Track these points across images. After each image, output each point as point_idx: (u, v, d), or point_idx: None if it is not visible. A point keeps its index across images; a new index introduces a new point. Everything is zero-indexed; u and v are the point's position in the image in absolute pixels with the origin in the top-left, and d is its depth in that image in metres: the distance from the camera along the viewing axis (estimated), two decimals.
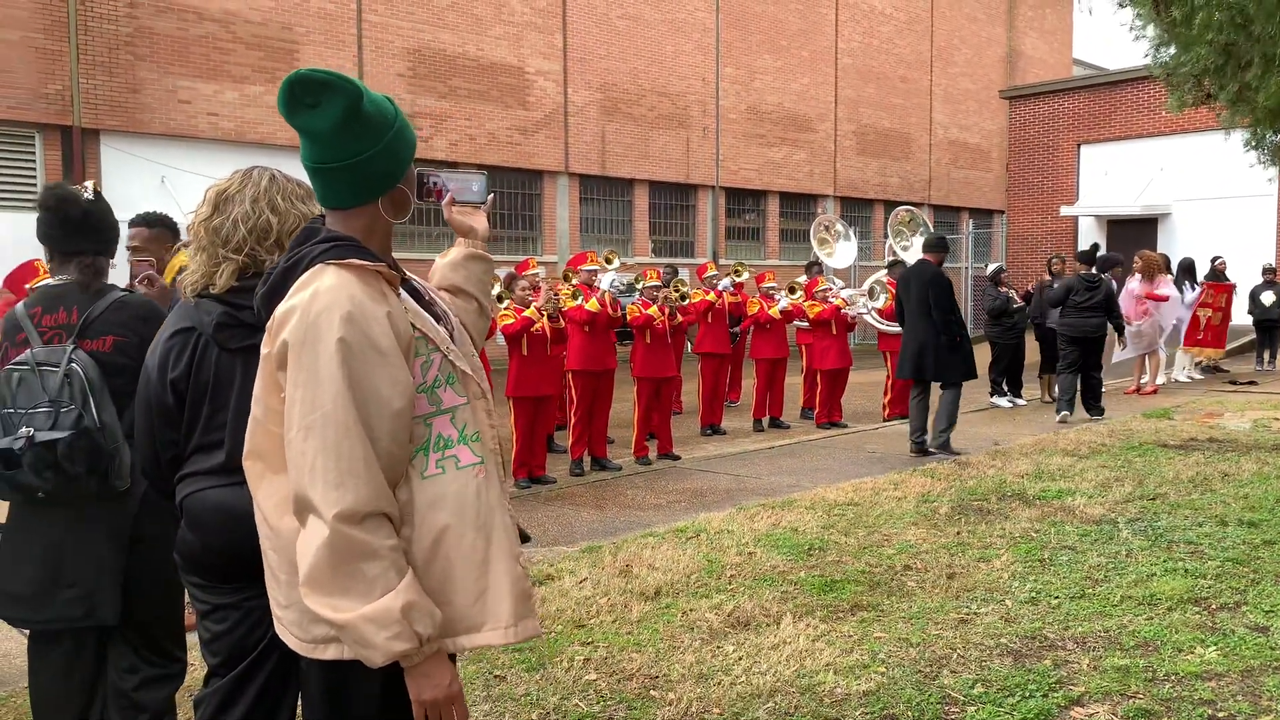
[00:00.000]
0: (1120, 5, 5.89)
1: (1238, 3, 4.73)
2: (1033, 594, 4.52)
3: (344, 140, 1.80)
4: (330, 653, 1.78)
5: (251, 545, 1.96)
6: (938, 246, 8.74)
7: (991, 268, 12.25)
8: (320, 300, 1.71)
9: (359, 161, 1.82)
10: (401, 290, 1.86)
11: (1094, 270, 10.52)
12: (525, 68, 18.48)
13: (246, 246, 2.22)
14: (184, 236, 3.31)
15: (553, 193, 19.10)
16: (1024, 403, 11.58)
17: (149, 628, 2.77)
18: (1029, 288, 11.87)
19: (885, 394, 10.90)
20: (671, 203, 21.36)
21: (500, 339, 7.81)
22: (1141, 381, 12.21)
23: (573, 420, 8.25)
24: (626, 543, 5.55)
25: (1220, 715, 3.29)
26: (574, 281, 8.89)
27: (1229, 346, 15.00)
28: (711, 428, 10.25)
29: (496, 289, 7.92)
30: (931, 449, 8.30)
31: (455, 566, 1.77)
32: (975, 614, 4.28)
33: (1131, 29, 5.87)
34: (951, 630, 4.09)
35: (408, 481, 1.78)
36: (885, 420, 10.61)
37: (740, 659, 3.81)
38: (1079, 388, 10.41)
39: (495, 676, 3.72)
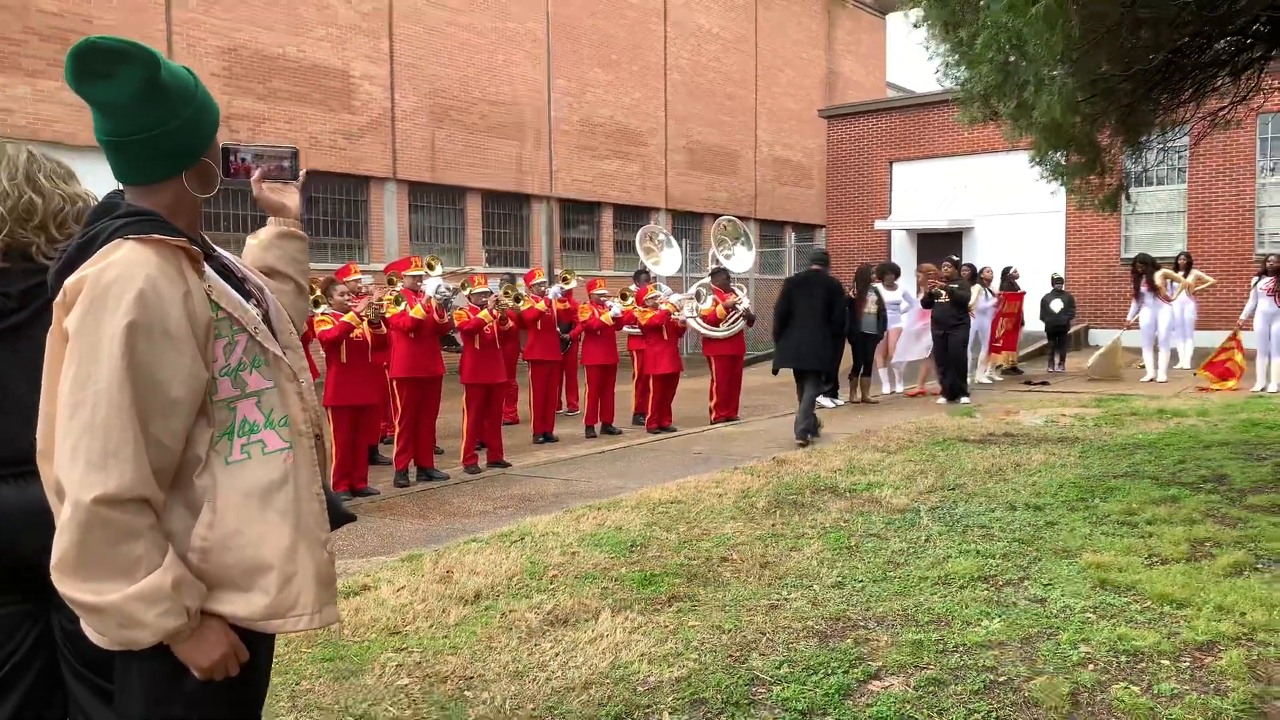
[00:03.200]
0: (915, 26, 6.31)
1: (1013, 25, 5.15)
2: (839, 578, 4.73)
3: (142, 112, 1.72)
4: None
5: (6, 549, 1.83)
6: (827, 260, 9.79)
7: None
8: (111, 272, 1.63)
9: (159, 135, 1.74)
10: (207, 267, 1.79)
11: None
12: (350, 71, 17.97)
13: (5, 228, 2.08)
14: None
15: (380, 199, 18.62)
16: (842, 403, 12.12)
17: None
18: (849, 294, 12.39)
19: (710, 398, 11.18)
20: (505, 212, 21.23)
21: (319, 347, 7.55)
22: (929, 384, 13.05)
23: (398, 429, 8.05)
24: (449, 550, 5.46)
25: (1000, 679, 3.54)
26: (399, 287, 8.71)
27: (1022, 352, 16.25)
28: (544, 435, 10.24)
29: (314, 294, 7.66)
30: (809, 438, 8.98)
31: (260, 553, 1.73)
32: (785, 599, 4.45)
33: (926, 47, 6.30)
34: (762, 616, 4.23)
35: (209, 467, 1.72)
36: (712, 423, 10.88)
37: (557, 655, 3.82)
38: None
39: (302, 686, 3.58)
